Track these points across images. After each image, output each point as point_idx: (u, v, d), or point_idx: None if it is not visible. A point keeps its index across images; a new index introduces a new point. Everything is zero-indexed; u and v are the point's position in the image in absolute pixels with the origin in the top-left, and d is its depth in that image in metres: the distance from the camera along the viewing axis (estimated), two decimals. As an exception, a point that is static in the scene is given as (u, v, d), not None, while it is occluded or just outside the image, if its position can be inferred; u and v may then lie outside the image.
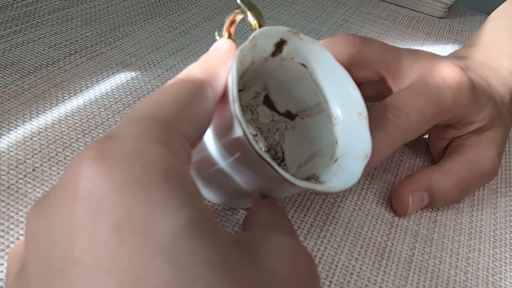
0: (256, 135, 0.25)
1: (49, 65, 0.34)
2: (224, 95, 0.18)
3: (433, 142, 0.31)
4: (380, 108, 0.25)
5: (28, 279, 0.12)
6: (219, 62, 0.18)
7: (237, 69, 0.17)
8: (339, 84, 0.22)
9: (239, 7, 0.20)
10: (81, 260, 0.11)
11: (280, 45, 0.21)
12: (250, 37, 0.19)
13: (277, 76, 0.23)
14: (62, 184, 0.12)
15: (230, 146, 0.18)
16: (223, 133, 0.18)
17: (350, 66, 0.26)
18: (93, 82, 0.33)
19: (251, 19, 0.20)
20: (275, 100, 0.24)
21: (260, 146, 0.25)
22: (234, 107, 0.16)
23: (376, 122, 0.23)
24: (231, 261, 0.12)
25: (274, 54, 0.21)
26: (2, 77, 0.32)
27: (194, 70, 0.17)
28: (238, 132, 0.17)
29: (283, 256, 0.15)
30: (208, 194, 0.23)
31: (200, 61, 0.18)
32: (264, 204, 0.19)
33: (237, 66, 0.17)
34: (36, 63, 0.34)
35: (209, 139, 0.19)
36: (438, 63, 0.27)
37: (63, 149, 0.27)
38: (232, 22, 0.21)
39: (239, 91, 0.24)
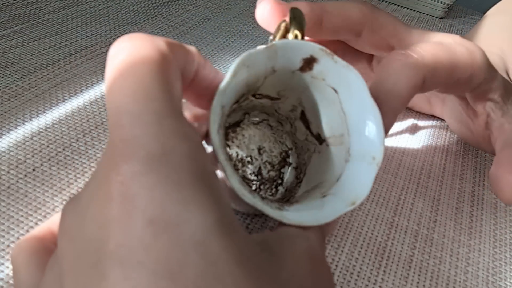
0: (291, 149, 0.25)
1: (49, 65, 0.34)
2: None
3: (470, 126, 0.31)
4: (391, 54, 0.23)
5: (61, 271, 0.13)
6: (188, 45, 0.17)
7: (237, 67, 0.17)
8: (366, 120, 0.20)
9: (288, 15, 0.21)
10: (116, 253, 0.11)
11: (310, 62, 0.20)
12: (269, 43, 0.18)
13: (309, 95, 0.22)
14: (94, 188, 0.13)
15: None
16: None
17: (361, 27, 0.26)
18: (93, 82, 0.33)
19: (291, 28, 0.20)
20: (310, 119, 0.23)
21: (291, 161, 0.25)
22: (213, 101, 0.16)
23: (388, 61, 0.22)
24: (256, 259, 0.13)
25: (302, 69, 0.20)
26: (2, 77, 0.32)
27: (155, 37, 0.15)
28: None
29: (303, 259, 0.15)
30: (235, 203, 0.22)
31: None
32: None
33: (239, 66, 0.17)
34: (36, 63, 0.34)
35: None
36: (448, 35, 0.27)
37: (63, 149, 0.27)
38: (286, 31, 0.21)
39: (276, 99, 0.23)
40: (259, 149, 0.24)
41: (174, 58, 0.15)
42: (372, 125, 0.20)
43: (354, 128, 0.21)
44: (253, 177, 0.24)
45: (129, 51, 0.14)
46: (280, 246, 0.15)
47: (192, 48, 0.17)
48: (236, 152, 0.24)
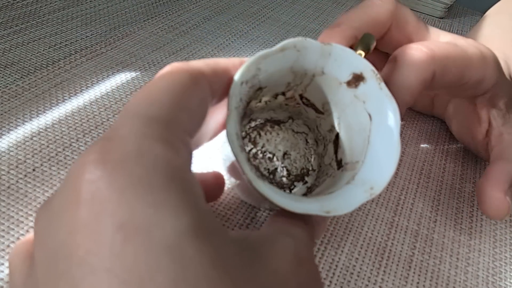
0: (314, 170, 0.25)
1: (49, 65, 0.34)
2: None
3: (472, 131, 0.31)
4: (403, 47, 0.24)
5: (36, 279, 0.13)
6: (226, 61, 0.17)
7: (288, 44, 0.17)
8: (385, 156, 0.20)
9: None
10: (85, 261, 0.11)
11: (357, 79, 0.20)
12: (327, 41, 0.19)
13: (347, 115, 0.22)
14: (65, 188, 0.12)
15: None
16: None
17: (389, 25, 0.27)
18: (93, 82, 0.33)
19: (357, 47, 0.22)
20: (340, 144, 0.23)
21: (307, 181, 0.25)
22: (229, 103, 0.16)
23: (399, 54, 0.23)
24: (234, 260, 0.13)
25: (349, 83, 0.20)
26: (2, 77, 0.32)
27: (195, 61, 0.17)
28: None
29: (287, 258, 0.15)
30: (244, 195, 0.23)
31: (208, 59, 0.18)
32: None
33: (289, 44, 0.17)
34: (36, 63, 0.34)
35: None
36: (461, 37, 0.27)
37: (63, 149, 0.27)
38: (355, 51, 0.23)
39: (320, 112, 0.23)
40: (284, 153, 0.25)
41: (206, 79, 0.16)
42: (387, 162, 0.20)
43: (371, 158, 0.20)
44: (265, 172, 0.24)
45: (165, 71, 0.15)
46: (263, 244, 0.15)
47: (228, 63, 0.18)
48: (263, 144, 0.24)
